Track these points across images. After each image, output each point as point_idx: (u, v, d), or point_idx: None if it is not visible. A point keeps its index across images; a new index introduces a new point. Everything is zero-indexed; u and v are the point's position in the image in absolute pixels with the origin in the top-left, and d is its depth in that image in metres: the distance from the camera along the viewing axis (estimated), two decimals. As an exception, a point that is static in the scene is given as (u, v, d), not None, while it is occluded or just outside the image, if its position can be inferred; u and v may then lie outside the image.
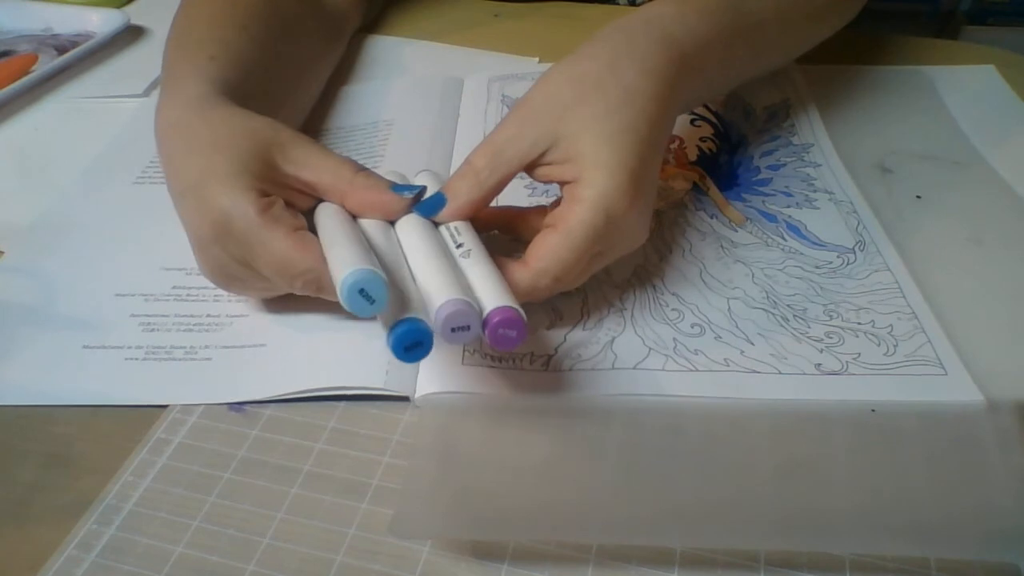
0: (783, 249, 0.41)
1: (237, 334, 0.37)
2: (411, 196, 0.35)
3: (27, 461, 0.32)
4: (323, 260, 0.32)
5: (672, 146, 0.48)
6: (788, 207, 0.44)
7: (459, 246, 0.34)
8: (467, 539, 0.29)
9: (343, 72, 0.58)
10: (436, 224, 0.35)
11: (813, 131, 0.50)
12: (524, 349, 0.36)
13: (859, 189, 0.45)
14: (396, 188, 0.35)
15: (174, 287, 0.40)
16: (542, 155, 0.35)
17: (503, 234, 0.38)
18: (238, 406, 0.34)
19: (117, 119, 0.53)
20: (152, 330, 0.38)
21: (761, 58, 0.46)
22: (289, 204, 0.34)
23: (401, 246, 0.34)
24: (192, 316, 0.38)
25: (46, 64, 0.57)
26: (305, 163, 0.35)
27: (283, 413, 0.34)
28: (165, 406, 0.34)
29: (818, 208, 0.43)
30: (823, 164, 0.47)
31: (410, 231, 0.34)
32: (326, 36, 0.55)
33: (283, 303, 0.38)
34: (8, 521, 0.30)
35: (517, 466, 0.31)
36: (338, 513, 0.30)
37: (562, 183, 0.35)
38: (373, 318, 0.30)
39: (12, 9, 0.64)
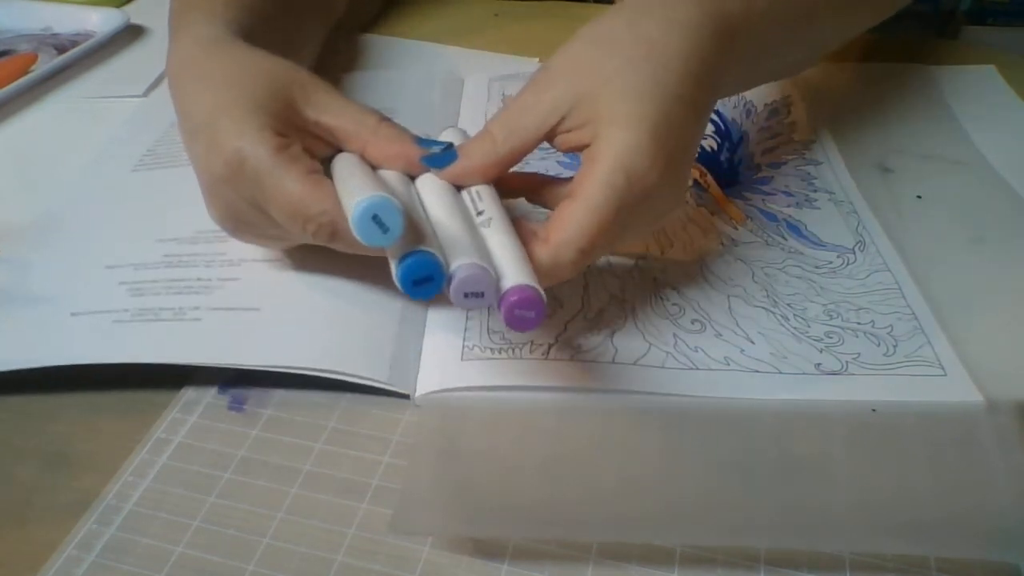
0: (783, 248, 0.41)
1: (229, 296, 0.37)
2: (436, 151, 0.33)
3: (27, 461, 0.32)
4: (339, 205, 0.31)
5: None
6: (788, 207, 0.44)
7: (479, 213, 0.32)
8: (467, 536, 0.29)
9: (343, 71, 0.58)
10: (458, 189, 0.33)
11: (814, 129, 0.50)
12: (525, 337, 0.35)
13: (859, 189, 0.45)
14: (421, 142, 0.33)
15: (165, 255, 0.40)
16: (561, 121, 0.32)
17: (531, 202, 0.36)
18: (238, 406, 0.34)
19: (117, 119, 0.53)
20: (140, 294, 0.37)
21: (815, 35, 0.42)
22: (306, 150, 0.33)
23: (421, 203, 0.32)
24: (182, 280, 0.38)
25: (46, 64, 0.57)
26: (326, 107, 0.33)
27: (283, 413, 0.34)
28: (165, 406, 0.34)
29: (818, 208, 0.43)
30: (824, 162, 0.47)
31: (430, 191, 0.33)
32: None
33: (280, 270, 0.37)
34: (8, 521, 0.30)
35: (517, 464, 0.31)
36: (338, 513, 0.30)
37: (583, 148, 0.32)
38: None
39: (12, 8, 0.64)
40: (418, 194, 0.33)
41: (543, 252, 0.31)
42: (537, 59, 0.59)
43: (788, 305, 0.37)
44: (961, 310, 0.37)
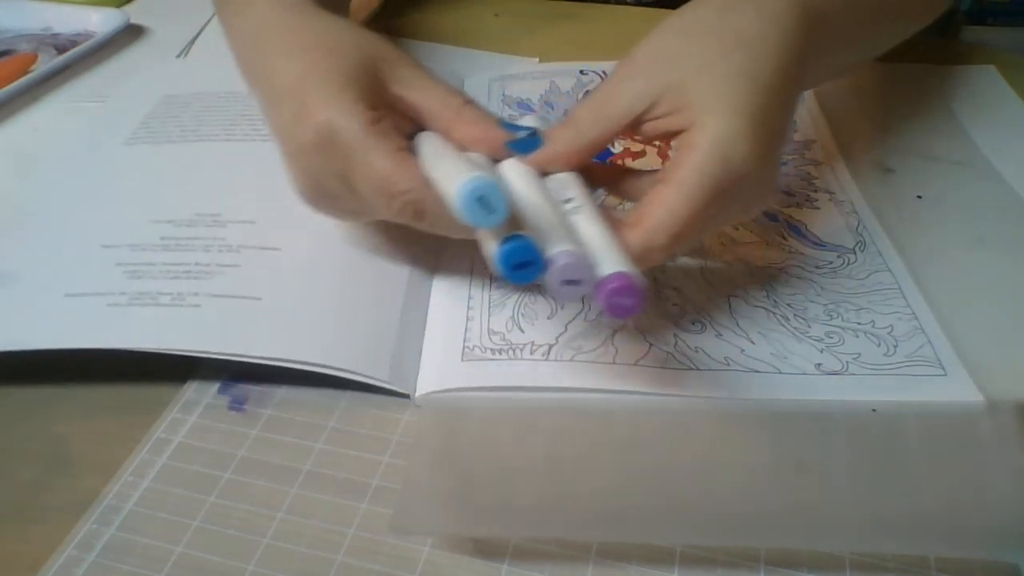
0: (784, 248, 0.41)
1: (229, 283, 0.36)
2: (521, 135, 0.33)
3: (27, 461, 0.32)
4: (425, 184, 0.30)
5: (673, 143, 0.48)
6: (789, 207, 0.44)
7: (567, 201, 0.31)
8: (467, 536, 0.29)
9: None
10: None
11: (815, 129, 0.50)
12: (525, 339, 0.35)
13: (860, 189, 0.45)
14: (506, 125, 0.33)
15: (162, 238, 0.39)
16: (648, 109, 0.32)
17: (610, 194, 0.35)
18: (238, 406, 0.34)
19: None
20: (137, 277, 0.37)
21: (877, 34, 0.43)
22: (396, 127, 0.32)
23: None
24: (180, 264, 0.37)
25: (46, 63, 0.57)
26: (412, 84, 0.33)
27: (283, 413, 0.34)
28: (165, 406, 0.34)
29: (819, 208, 0.43)
30: (824, 163, 0.47)
31: (516, 176, 0.32)
32: None
33: (280, 260, 0.37)
34: (8, 521, 0.30)
35: (517, 464, 0.31)
36: (338, 513, 0.30)
37: (672, 135, 0.32)
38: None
39: (12, 8, 0.64)
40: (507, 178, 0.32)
41: (634, 237, 0.30)
42: (537, 59, 0.59)
43: (788, 305, 0.37)
44: (961, 310, 0.37)
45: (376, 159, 0.31)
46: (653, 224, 0.30)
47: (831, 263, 0.40)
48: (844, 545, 0.29)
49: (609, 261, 0.29)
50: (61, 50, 0.59)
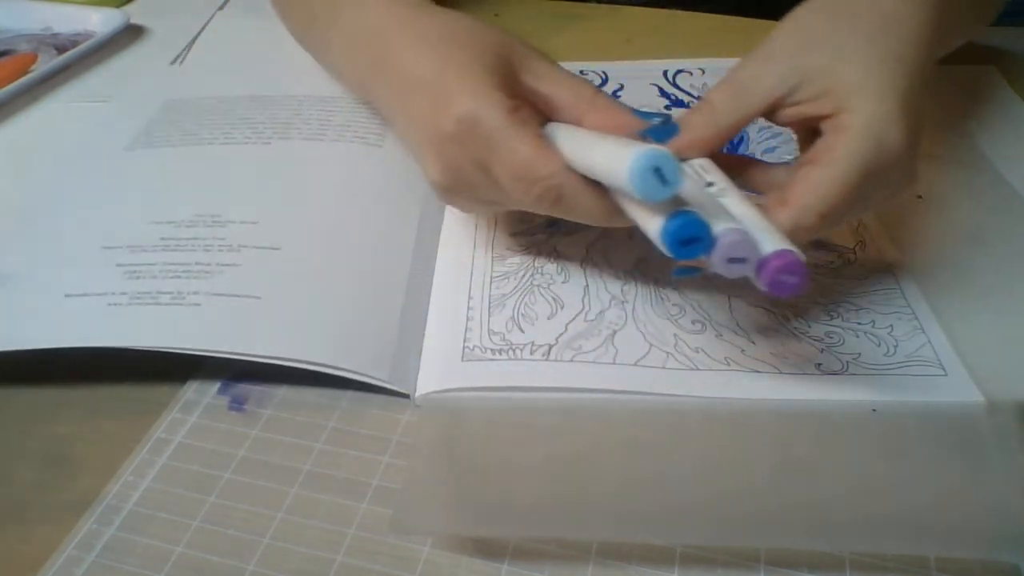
0: (783, 249, 0.41)
1: (229, 283, 0.37)
2: (656, 123, 0.33)
3: (27, 461, 0.32)
4: (566, 168, 0.31)
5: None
6: (788, 207, 0.44)
7: (709, 185, 0.31)
8: (467, 536, 0.29)
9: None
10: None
11: (813, 131, 0.50)
12: (525, 339, 0.35)
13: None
14: (639, 113, 0.33)
15: (162, 238, 0.39)
16: (789, 93, 0.32)
17: (739, 186, 0.35)
18: (238, 406, 0.34)
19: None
20: (137, 277, 0.37)
21: (965, 26, 0.44)
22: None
23: None
24: (181, 264, 0.38)
25: (46, 63, 0.57)
26: (544, 75, 0.33)
27: (283, 413, 0.34)
28: (165, 406, 0.34)
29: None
30: (823, 164, 0.47)
31: None
32: None
33: (279, 260, 0.37)
34: (8, 521, 0.30)
35: (517, 464, 0.31)
36: (338, 513, 0.30)
37: (818, 119, 0.32)
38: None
39: (12, 8, 0.64)
40: None
41: (783, 215, 0.30)
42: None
43: (788, 305, 0.37)
44: (961, 310, 0.37)
45: (518, 145, 0.31)
46: (804, 203, 0.30)
47: (831, 263, 0.40)
48: (844, 545, 0.29)
49: (770, 240, 0.28)
50: (61, 50, 0.59)
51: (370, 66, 0.35)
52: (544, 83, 0.34)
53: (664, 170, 0.26)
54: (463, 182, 0.34)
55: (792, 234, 0.30)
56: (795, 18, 0.34)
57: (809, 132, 0.34)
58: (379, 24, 0.36)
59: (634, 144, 0.28)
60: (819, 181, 0.31)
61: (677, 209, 0.28)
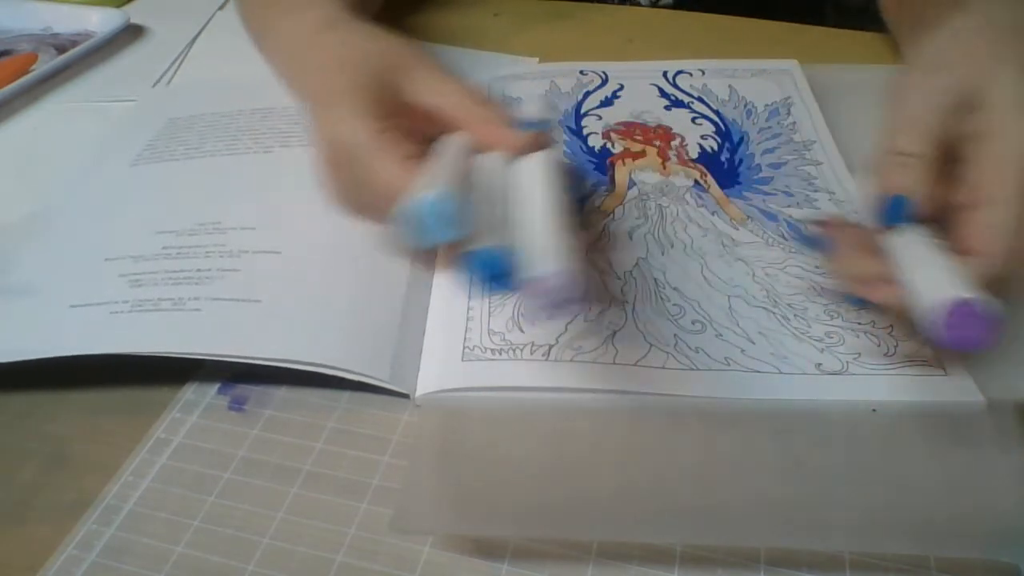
0: (784, 248, 0.41)
1: (229, 287, 0.37)
2: (534, 135, 0.33)
3: (27, 461, 0.32)
4: None
5: (673, 143, 0.48)
6: (789, 207, 0.44)
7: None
8: (467, 535, 0.29)
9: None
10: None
11: (815, 129, 0.50)
12: (525, 339, 0.35)
13: (860, 188, 0.44)
14: (524, 124, 0.34)
15: (164, 247, 0.40)
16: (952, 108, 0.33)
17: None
18: (238, 406, 0.34)
19: (117, 119, 0.53)
20: (139, 285, 0.37)
21: None
22: (415, 131, 0.33)
23: (522, 188, 0.32)
24: (181, 271, 0.38)
25: (46, 63, 0.57)
26: (429, 89, 0.34)
27: (283, 413, 0.34)
28: (165, 406, 0.34)
29: (819, 208, 0.43)
30: (824, 163, 0.47)
31: (529, 172, 0.32)
32: None
33: (280, 264, 0.37)
34: (8, 521, 0.30)
35: (517, 464, 0.31)
36: (338, 513, 0.30)
37: (963, 137, 0.32)
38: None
39: (12, 8, 0.64)
40: (518, 178, 0.33)
41: (973, 265, 0.30)
42: (537, 59, 0.59)
43: (788, 305, 0.37)
44: (961, 310, 0.37)
45: (380, 167, 0.32)
46: (988, 252, 0.30)
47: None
48: (844, 545, 0.29)
49: (946, 287, 0.29)
50: (61, 50, 0.59)
51: (289, 84, 0.37)
52: (426, 96, 0.34)
53: (431, 218, 0.27)
54: (351, 202, 0.35)
55: (988, 284, 0.30)
56: (949, 38, 0.34)
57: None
58: (293, 42, 0.37)
59: (422, 184, 0.28)
60: (992, 222, 0.30)
61: (486, 243, 0.27)
